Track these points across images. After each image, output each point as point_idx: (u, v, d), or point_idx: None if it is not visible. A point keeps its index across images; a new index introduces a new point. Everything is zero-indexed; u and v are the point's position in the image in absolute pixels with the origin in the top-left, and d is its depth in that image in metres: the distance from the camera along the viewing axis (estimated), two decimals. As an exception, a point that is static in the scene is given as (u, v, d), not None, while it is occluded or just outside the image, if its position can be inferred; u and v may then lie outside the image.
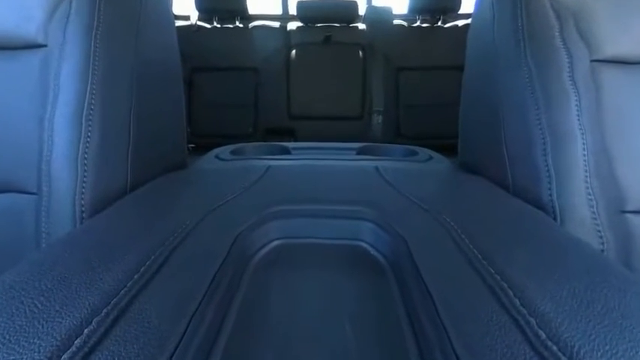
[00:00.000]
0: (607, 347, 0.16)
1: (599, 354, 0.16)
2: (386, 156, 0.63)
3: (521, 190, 0.40)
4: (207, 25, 1.45)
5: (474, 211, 0.36)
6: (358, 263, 0.33)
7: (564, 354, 0.16)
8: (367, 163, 0.55)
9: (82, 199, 0.36)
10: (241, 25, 1.45)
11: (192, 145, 1.33)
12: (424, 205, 0.37)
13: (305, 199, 0.39)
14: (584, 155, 0.36)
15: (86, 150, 0.36)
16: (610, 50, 0.38)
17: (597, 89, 0.38)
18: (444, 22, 1.41)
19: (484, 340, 0.18)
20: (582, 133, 0.36)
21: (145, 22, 0.44)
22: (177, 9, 1.49)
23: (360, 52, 1.40)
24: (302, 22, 1.43)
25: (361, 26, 1.43)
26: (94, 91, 0.37)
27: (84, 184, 0.36)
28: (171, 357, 0.18)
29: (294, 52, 1.41)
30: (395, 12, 1.38)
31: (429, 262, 0.27)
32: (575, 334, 0.17)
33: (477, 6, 0.50)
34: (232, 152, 0.64)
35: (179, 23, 1.43)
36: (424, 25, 1.42)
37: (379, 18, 1.34)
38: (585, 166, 0.36)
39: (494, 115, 0.44)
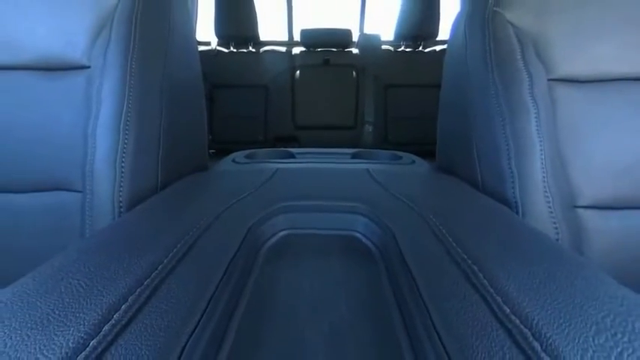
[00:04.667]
0: (561, 320, 0.17)
1: (554, 326, 0.17)
2: (376, 160, 0.68)
3: (489, 188, 0.43)
4: (225, 50, 1.60)
5: (450, 207, 0.38)
6: (352, 251, 0.35)
7: (525, 326, 0.18)
8: (360, 165, 0.58)
9: (120, 196, 0.37)
10: (254, 50, 1.58)
11: (213, 151, 1.47)
12: (409, 201, 0.39)
13: (308, 196, 0.41)
14: (542, 159, 0.39)
15: (123, 155, 0.38)
16: (563, 70, 0.41)
17: (553, 104, 0.41)
18: (425, 47, 1.56)
19: (458, 314, 0.20)
20: (540, 141, 0.39)
21: (172, 47, 0.45)
22: (199, 36, 1.64)
23: (354, 73, 1.54)
24: (305, 47, 1.57)
25: (355, 50, 1.58)
26: (130, 106, 0.38)
27: (121, 184, 0.37)
28: (193, 332, 0.19)
29: (298, 72, 1.55)
30: (383, 38, 1.50)
31: (413, 249, 0.29)
32: (534, 309, 0.18)
33: (452, 34, 0.54)
34: (247, 156, 0.69)
35: (201, 48, 1.56)
36: (408, 49, 1.57)
37: (370, 43, 1.50)
38: (543, 168, 0.38)
39: (467, 125, 0.47)
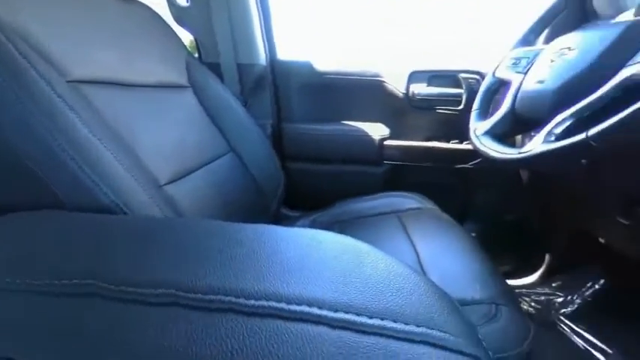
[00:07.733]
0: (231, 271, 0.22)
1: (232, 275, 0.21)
2: None
3: (81, 204, 0.38)
4: None
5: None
6: None
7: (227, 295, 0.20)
8: None
9: None
10: None
11: None
12: None
13: None
14: (115, 156, 0.39)
15: None
16: (80, 74, 0.43)
17: (90, 104, 0.42)
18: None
19: None
20: (100, 140, 0.38)
21: None
22: None
23: None
24: None
25: None
26: None
27: None
28: None
29: None
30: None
31: None
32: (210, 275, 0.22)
33: None
34: None
35: None
36: None
37: None
38: (121, 164, 0.39)
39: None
